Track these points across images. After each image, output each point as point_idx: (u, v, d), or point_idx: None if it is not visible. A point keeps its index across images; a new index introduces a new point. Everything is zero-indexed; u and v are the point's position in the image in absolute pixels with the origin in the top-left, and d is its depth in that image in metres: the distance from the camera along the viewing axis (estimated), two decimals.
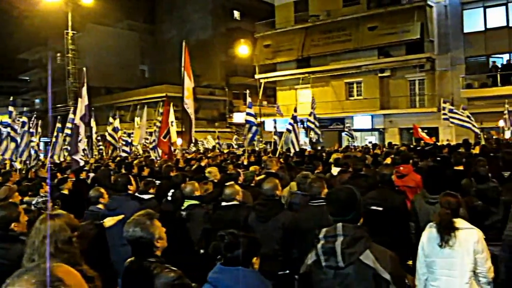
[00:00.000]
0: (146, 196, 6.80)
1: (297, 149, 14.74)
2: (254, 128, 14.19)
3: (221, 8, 48.82)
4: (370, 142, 28.06)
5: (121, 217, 5.23)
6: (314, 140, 18.96)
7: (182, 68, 12.91)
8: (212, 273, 3.13)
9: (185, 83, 12.83)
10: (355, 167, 7.92)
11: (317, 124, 18.82)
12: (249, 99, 15.02)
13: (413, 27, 30.08)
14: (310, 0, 36.35)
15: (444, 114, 19.63)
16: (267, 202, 5.48)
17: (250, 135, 14.30)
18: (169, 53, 47.74)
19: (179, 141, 17.90)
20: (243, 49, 40.26)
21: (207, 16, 48.99)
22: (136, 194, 6.82)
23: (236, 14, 50.37)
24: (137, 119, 24.89)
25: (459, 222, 4.35)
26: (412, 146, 19.00)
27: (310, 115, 18.67)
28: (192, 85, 13.18)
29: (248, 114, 14.30)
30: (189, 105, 12.76)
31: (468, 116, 17.52)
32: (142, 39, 55.02)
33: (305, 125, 28.36)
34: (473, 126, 17.44)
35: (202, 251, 5.70)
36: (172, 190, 6.64)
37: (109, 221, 5.32)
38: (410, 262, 5.15)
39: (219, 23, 48.75)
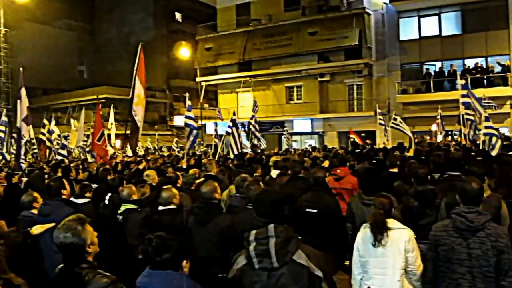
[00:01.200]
0: (82, 200, 6.65)
1: (237, 152, 14.76)
2: (194, 131, 14.06)
3: (162, 9, 48.31)
4: (309, 145, 28.41)
5: (51, 225, 4.97)
6: (258, 144, 19.03)
7: (134, 72, 12.42)
8: (141, 277, 3.09)
9: (135, 88, 12.26)
10: (294, 170, 7.91)
11: (258, 127, 18.92)
12: (188, 102, 14.83)
13: (351, 33, 30.84)
14: (252, 4, 36.53)
15: (380, 119, 20.28)
16: (206, 206, 5.44)
17: (191, 139, 14.12)
18: (109, 54, 46.87)
19: (118, 143, 17.57)
20: (184, 52, 40.06)
21: (148, 17, 48.37)
22: (72, 198, 6.61)
23: (178, 16, 49.98)
24: (73, 121, 24.24)
25: (391, 222, 4.47)
26: (349, 149, 19.42)
27: (251, 118, 18.75)
28: (143, 91, 12.61)
29: (187, 117, 14.12)
30: (137, 112, 12.13)
31: (400, 122, 18.17)
32: (81, 39, 53.58)
33: (246, 128, 28.54)
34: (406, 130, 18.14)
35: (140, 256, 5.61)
36: (109, 194, 6.51)
37: (36, 229, 5.06)
38: (347, 263, 5.23)
39: (161, 24, 48.27)
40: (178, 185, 7.39)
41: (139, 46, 12.50)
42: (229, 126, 15.24)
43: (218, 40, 37.43)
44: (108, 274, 3.21)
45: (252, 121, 18.34)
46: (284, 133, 24.73)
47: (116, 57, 45.81)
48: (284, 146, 28.26)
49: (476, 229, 3.93)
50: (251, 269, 3.00)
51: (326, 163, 10.10)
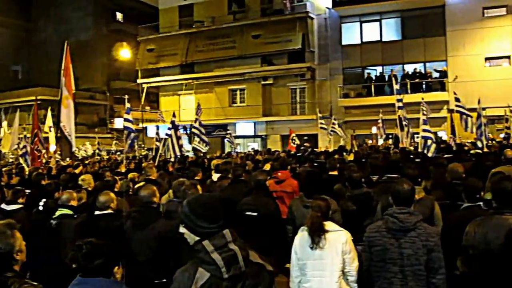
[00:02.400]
0: (14, 206, 6.51)
1: (174, 155, 14.41)
2: (132, 134, 13.62)
3: (102, 8, 46.95)
4: (252, 149, 28.33)
5: None
6: (203, 147, 18.66)
7: (62, 72, 11.87)
8: (71, 285, 2.96)
9: (63, 89, 11.73)
10: (235, 173, 7.92)
11: (203, 130, 18.57)
12: (127, 105, 14.38)
13: (295, 37, 31.07)
14: (195, 6, 36.19)
15: (321, 123, 20.43)
16: (144, 210, 5.32)
17: (128, 142, 13.70)
18: (46, 53, 45.07)
19: (52, 148, 16.75)
20: (125, 53, 39.00)
21: (87, 16, 46.86)
22: (3, 204, 6.51)
23: (119, 15, 48.68)
24: (4, 124, 23.03)
25: (329, 225, 4.52)
26: (292, 152, 19.36)
27: (195, 121, 18.42)
28: (72, 92, 12.06)
29: (126, 120, 13.68)
30: (64, 115, 11.60)
31: (339, 125, 18.55)
32: (16, 37, 51.19)
33: (188, 131, 28.09)
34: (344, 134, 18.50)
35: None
36: (43, 200, 6.33)
37: None
38: (288, 265, 5.16)
39: (101, 24, 46.89)
40: (116, 189, 7.24)
41: (65, 45, 11.93)
42: (168, 129, 14.86)
43: (160, 41, 36.81)
44: (35, 283, 3.02)
45: (196, 124, 17.97)
46: (227, 136, 24.43)
47: (53, 56, 43.98)
48: (228, 149, 28.03)
49: (407, 229, 4.04)
50: (219, 280, 2.73)
51: (267, 166, 9.96)
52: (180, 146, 14.93)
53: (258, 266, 2.84)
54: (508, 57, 28.24)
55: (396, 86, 16.11)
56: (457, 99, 15.89)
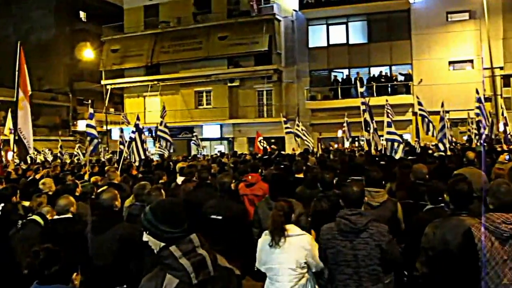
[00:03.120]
0: None
1: (141, 159, 14.04)
2: (95, 140, 13.17)
3: (65, 7, 45.73)
4: (219, 151, 28.06)
5: None
6: (168, 149, 18.30)
7: (17, 73, 11.43)
8: None
9: (19, 91, 11.27)
10: (201, 176, 7.80)
11: (168, 132, 18.22)
12: (91, 110, 13.95)
13: (261, 39, 31.00)
14: (160, 6, 35.75)
15: (287, 127, 20.32)
16: (105, 213, 5.23)
17: (91, 148, 13.29)
18: (5, 53, 43.69)
19: (10, 154, 16.13)
20: (89, 53, 37.98)
21: (49, 15, 45.49)
22: None
23: (82, 15, 47.56)
24: None
25: (291, 229, 4.47)
26: (258, 155, 19.20)
27: (160, 124, 18.03)
28: (28, 93, 11.58)
29: (88, 126, 13.22)
30: (20, 117, 11.13)
31: (302, 129, 18.63)
32: None
33: (153, 134, 27.61)
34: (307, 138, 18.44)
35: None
36: (1, 205, 6.28)
37: None
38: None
39: (63, 23, 45.68)
40: (77, 193, 7.11)
41: (19, 45, 11.47)
42: (132, 132, 14.44)
43: (125, 42, 36.17)
44: None
45: (162, 127, 17.59)
46: (193, 139, 24.04)
47: (13, 56, 42.52)
48: (194, 152, 27.70)
49: (359, 230, 4.07)
50: (188, 286, 2.65)
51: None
52: (145, 150, 14.55)
53: (226, 270, 2.83)
54: (471, 61, 28.76)
55: (360, 89, 16.05)
56: (419, 103, 15.90)
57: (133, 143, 13.47)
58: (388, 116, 13.70)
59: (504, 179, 4.51)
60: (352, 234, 4.09)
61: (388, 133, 12.23)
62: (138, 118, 14.92)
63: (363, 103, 15.26)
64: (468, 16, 28.69)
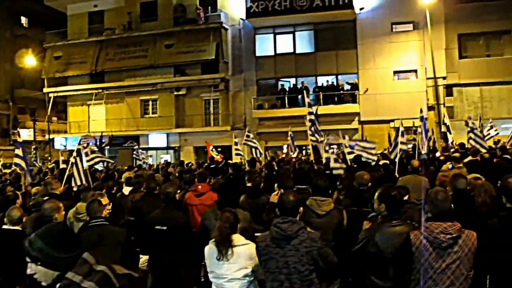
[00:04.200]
0: None
1: (81, 184, 13.47)
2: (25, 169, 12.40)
3: (6, 11, 44.18)
4: (165, 161, 27.57)
5: None
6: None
7: None
8: None
9: None
10: (148, 186, 8.02)
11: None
12: (19, 139, 13.33)
13: (208, 47, 30.77)
14: (106, 13, 34.94)
15: (247, 139, 20.06)
16: (42, 225, 4.81)
17: (28, 179, 12.55)
18: None
19: None
20: (30, 60, 36.68)
21: None
22: None
23: (24, 20, 46.01)
24: None
25: (236, 238, 4.53)
26: (206, 164, 18.96)
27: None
28: None
29: (17, 156, 12.47)
30: None
31: (252, 138, 18.62)
32: None
33: (97, 143, 26.87)
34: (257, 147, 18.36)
35: None
36: None
37: None
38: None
39: (3, 28, 44.00)
40: (17, 204, 6.97)
41: None
42: (73, 157, 13.73)
43: (68, 49, 35.07)
44: None
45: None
46: (134, 153, 23.27)
47: None
48: (138, 162, 27.11)
49: (290, 237, 4.15)
50: None
51: None
52: (86, 174, 13.95)
53: (127, 276, 2.72)
54: (415, 70, 29.31)
55: (307, 100, 15.85)
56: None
57: (74, 168, 12.74)
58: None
59: (441, 188, 4.65)
60: (283, 241, 4.17)
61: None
62: (79, 143, 14.31)
63: (310, 113, 15.07)
64: (412, 27, 29.26)
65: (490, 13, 27.55)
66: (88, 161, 13.41)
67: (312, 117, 14.85)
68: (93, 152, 14.74)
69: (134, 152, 23.23)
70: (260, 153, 18.35)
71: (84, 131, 30.68)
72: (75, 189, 13.55)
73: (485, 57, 29.02)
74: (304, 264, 4.11)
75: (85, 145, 15.34)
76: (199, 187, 7.97)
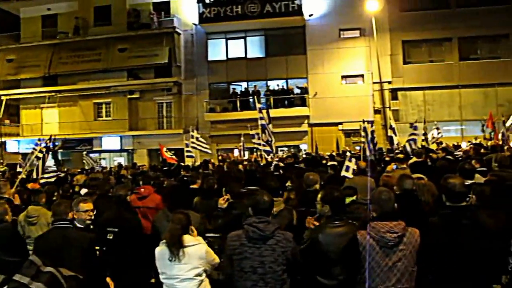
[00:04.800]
0: None
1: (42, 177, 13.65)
2: None
3: None
4: (118, 163, 27.68)
5: None
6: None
7: None
8: None
9: None
10: (102, 189, 8.08)
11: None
12: None
13: (162, 52, 31.07)
14: (59, 16, 34.71)
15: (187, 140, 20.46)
16: None
17: None
18: None
19: None
20: None
21: None
22: None
23: None
24: None
25: (187, 239, 4.58)
26: (159, 166, 19.21)
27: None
28: None
29: None
30: None
31: (201, 140, 18.95)
32: None
33: (52, 146, 26.72)
34: (207, 149, 18.62)
35: None
36: None
37: None
38: (153, 280, 5.42)
39: None
40: None
41: None
42: (35, 144, 13.96)
43: (21, 52, 34.64)
44: None
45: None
46: (84, 158, 23.34)
47: None
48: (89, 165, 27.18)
49: (267, 237, 4.24)
50: None
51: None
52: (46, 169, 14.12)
53: (74, 278, 2.81)
54: (362, 75, 30.22)
55: (258, 105, 16.32)
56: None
57: (40, 161, 12.96)
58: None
59: (385, 188, 4.75)
60: (260, 241, 4.24)
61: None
62: (50, 139, 14.59)
63: (261, 118, 15.44)
64: (359, 33, 30.24)
65: (432, 22, 28.89)
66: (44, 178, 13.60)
67: (263, 122, 15.35)
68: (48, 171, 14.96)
69: (84, 157, 23.31)
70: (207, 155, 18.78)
71: (37, 134, 30.47)
72: (34, 176, 13.76)
73: (428, 63, 30.30)
74: (279, 264, 4.22)
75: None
76: (142, 190, 8.05)
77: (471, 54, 29.87)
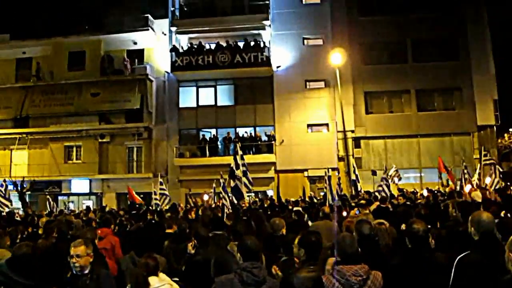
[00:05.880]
0: None
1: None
2: None
3: None
4: (87, 206, 27.90)
5: None
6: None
7: None
8: None
9: None
10: (60, 230, 8.02)
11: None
12: None
13: (134, 97, 31.88)
14: (34, 59, 35.16)
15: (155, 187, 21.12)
16: None
17: None
18: None
19: None
20: None
21: None
22: None
23: None
24: None
25: (152, 281, 4.73)
26: (127, 209, 19.71)
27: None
28: None
29: None
30: None
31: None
32: None
33: (18, 188, 27.02)
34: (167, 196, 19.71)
35: None
36: None
37: None
38: None
39: None
40: None
41: None
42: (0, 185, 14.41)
43: None
44: None
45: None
46: (47, 202, 23.54)
47: None
48: (61, 207, 27.39)
49: (260, 282, 4.32)
50: None
51: None
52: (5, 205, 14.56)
53: None
54: (327, 124, 31.35)
55: (240, 152, 16.86)
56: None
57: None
58: None
59: (348, 233, 5.09)
60: (253, 286, 4.28)
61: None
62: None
63: (243, 165, 15.91)
64: (323, 84, 31.52)
65: (392, 75, 30.72)
66: None
67: (244, 168, 16.01)
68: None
69: (48, 200, 23.54)
70: (170, 201, 19.42)
71: (5, 175, 30.57)
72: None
73: (388, 113, 31.70)
74: None
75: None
76: (99, 231, 8.05)
77: (428, 105, 31.43)
